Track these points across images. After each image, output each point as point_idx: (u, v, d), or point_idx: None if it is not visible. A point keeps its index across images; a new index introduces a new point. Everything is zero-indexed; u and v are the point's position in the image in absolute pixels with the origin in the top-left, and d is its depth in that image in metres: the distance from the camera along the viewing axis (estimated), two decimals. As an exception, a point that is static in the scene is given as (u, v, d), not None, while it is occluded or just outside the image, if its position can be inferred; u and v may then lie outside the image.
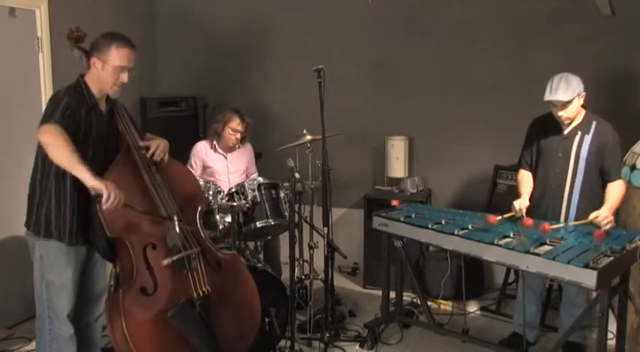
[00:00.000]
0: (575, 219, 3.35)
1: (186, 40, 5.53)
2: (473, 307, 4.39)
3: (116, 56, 2.70)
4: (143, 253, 2.72)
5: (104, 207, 2.51)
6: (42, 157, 2.70)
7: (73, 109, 2.64)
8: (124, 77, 2.74)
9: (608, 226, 3.14)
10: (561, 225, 3.24)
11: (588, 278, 2.64)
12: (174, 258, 2.70)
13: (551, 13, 4.58)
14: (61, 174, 2.67)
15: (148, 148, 2.88)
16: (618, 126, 3.43)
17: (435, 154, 5.00)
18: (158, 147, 2.88)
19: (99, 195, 2.50)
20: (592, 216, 3.20)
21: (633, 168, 3.21)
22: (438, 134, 4.95)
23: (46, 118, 2.60)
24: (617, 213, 3.56)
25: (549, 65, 4.38)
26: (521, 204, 3.40)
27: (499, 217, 3.36)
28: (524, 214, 3.36)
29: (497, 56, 4.72)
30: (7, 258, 3.85)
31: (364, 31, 5.03)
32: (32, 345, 3.73)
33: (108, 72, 2.71)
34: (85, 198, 2.70)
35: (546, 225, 3.09)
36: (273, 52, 5.29)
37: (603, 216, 3.16)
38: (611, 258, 2.77)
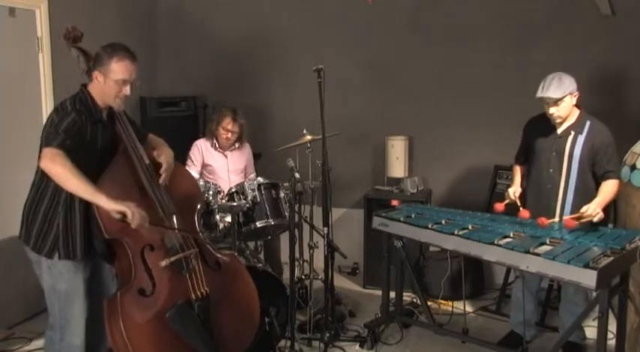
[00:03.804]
0: None
1: (186, 40, 5.53)
2: (473, 307, 4.39)
3: (117, 70, 2.67)
4: (141, 254, 2.70)
5: (132, 226, 2.56)
6: (51, 184, 2.67)
7: (79, 126, 2.62)
8: (127, 90, 2.72)
9: (596, 218, 3.20)
10: (556, 220, 3.28)
11: (588, 278, 2.64)
12: (173, 259, 2.70)
13: (551, 13, 4.58)
14: (70, 198, 2.68)
15: (157, 165, 2.88)
16: (618, 125, 3.44)
17: (434, 154, 5.00)
18: (169, 169, 2.87)
19: (124, 217, 2.55)
20: (583, 209, 3.23)
21: (633, 168, 3.21)
22: (437, 134, 4.95)
23: (50, 137, 2.57)
24: (617, 213, 3.57)
25: (549, 65, 4.36)
26: (515, 191, 3.55)
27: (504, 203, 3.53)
28: (517, 201, 3.49)
29: (497, 56, 4.72)
30: (7, 258, 3.85)
31: (364, 31, 5.03)
32: (32, 345, 3.74)
33: (110, 85, 2.69)
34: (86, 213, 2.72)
35: (544, 219, 3.17)
36: (274, 52, 5.29)
37: (592, 208, 3.20)
38: (611, 258, 2.77)
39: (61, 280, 2.73)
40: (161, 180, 2.85)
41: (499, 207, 3.51)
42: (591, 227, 3.23)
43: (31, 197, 2.75)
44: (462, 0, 4.77)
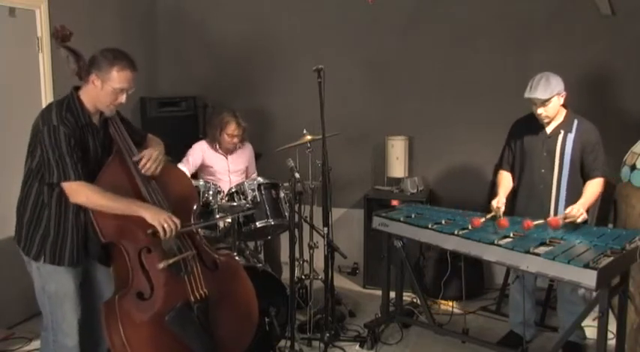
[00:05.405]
0: None
1: (186, 40, 5.53)
2: (473, 307, 4.39)
3: (117, 79, 2.63)
4: (138, 257, 2.68)
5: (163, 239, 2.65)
6: (34, 185, 2.67)
7: (70, 136, 2.58)
8: (123, 98, 2.68)
9: (580, 219, 3.21)
10: (541, 221, 3.26)
11: (588, 278, 2.64)
12: (170, 261, 2.67)
13: (551, 13, 4.58)
14: (63, 201, 2.66)
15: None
16: (617, 125, 3.43)
17: (435, 154, 5.00)
18: (150, 157, 2.78)
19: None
20: (567, 210, 3.25)
21: (633, 168, 3.21)
22: (437, 134, 4.95)
23: (59, 169, 2.55)
24: (617, 213, 3.57)
25: (549, 65, 4.36)
26: (499, 201, 3.45)
27: (482, 219, 3.41)
28: (501, 213, 3.41)
29: (497, 56, 4.72)
30: (7, 258, 3.85)
31: (364, 31, 5.03)
32: (32, 345, 3.74)
33: (107, 92, 2.64)
34: (83, 219, 2.71)
35: (529, 222, 3.17)
36: (274, 52, 5.29)
37: (576, 209, 3.22)
38: (611, 258, 2.77)
39: (50, 281, 2.71)
40: (141, 165, 2.75)
41: (477, 222, 3.34)
42: (575, 227, 3.24)
43: (19, 198, 2.75)
44: (462, 0, 4.77)
